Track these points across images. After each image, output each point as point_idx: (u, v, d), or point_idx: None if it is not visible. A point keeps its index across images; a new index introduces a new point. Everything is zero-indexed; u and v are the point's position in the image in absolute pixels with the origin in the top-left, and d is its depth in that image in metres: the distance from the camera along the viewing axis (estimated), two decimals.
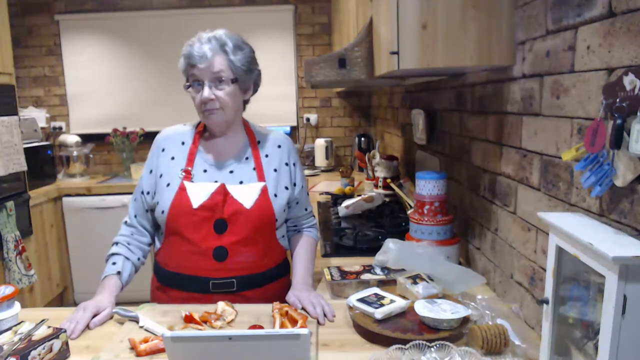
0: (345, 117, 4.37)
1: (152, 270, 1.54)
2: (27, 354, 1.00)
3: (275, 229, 1.47)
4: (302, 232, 1.59)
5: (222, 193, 1.38)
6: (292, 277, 1.48)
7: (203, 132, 1.50)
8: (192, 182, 1.41)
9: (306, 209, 1.60)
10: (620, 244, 0.76)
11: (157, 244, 1.51)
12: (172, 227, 1.40)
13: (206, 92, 1.36)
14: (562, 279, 0.91)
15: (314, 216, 1.65)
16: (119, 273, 1.40)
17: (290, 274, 1.57)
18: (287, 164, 1.50)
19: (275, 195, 1.44)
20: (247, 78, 1.43)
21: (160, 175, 1.45)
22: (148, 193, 1.46)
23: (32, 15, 4.16)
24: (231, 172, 1.45)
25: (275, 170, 1.47)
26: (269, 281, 1.46)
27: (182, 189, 1.40)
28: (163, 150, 1.48)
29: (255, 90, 1.49)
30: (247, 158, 1.47)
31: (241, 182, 1.43)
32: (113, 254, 1.45)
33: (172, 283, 1.44)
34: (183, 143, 1.48)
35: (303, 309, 1.30)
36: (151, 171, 1.48)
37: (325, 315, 1.27)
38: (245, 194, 1.40)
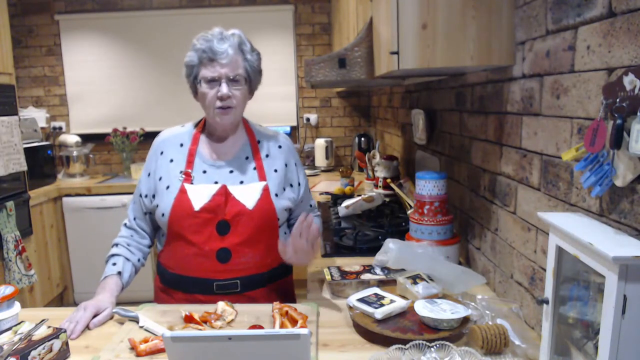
0: (345, 117, 4.37)
1: (152, 270, 1.53)
2: (27, 354, 1.00)
3: (278, 228, 1.46)
4: None
5: (224, 194, 1.38)
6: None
7: (202, 132, 1.49)
8: (192, 184, 1.40)
9: (310, 205, 1.61)
10: (620, 244, 0.76)
11: (159, 246, 1.50)
12: (174, 230, 1.40)
13: (225, 88, 1.34)
14: (562, 279, 0.91)
15: (317, 208, 1.65)
16: (119, 273, 1.40)
17: (292, 273, 1.58)
18: (287, 165, 1.50)
19: (277, 195, 1.44)
20: (257, 80, 1.44)
21: (160, 178, 1.44)
22: (146, 196, 1.46)
23: (32, 15, 4.16)
24: (231, 172, 1.44)
25: (276, 170, 1.47)
26: (272, 280, 1.46)
27: (182, 191, 1.39)
28: (162, 153, 1.47)
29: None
30: (247, 157, 1.47)
31: (242, 182, 1.42)
32: (113, 255, 1.45)
33: (175, 285, 1.44)
34: (182, 145, 1.47)
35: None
36: (149, 174, 1.47)
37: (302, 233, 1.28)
38: (247, 194, 1.39)
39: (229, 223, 1.37)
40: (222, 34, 1.36)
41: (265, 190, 1.42)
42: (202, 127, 1.50)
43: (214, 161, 1.45)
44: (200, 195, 1.38)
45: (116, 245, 1.48)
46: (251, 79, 1.41)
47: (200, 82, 1.37)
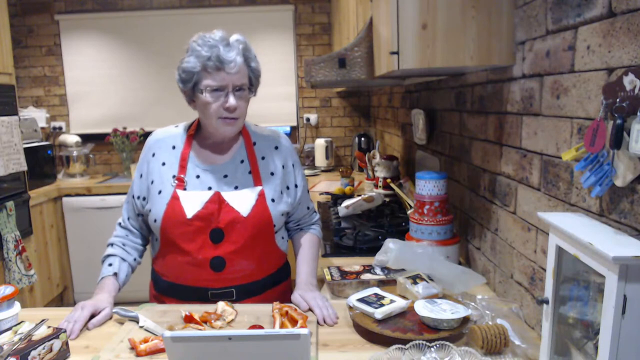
0: (345, 117, 4.38)
1: (150, 274, 1.52)
2: (27, 354, 1.00)
3: (274, 234, 1.43)
4: (304, 230, 1.55)
5: (217, 201, 1.33)
6: (295, 277, 1.46)
7: (195, 135, 1.44)
8: (185, 189, 1.36)
9: (308, 208, 1.56)
10: (620, 244, 0.76)
11: (153, 252, 1.48)
12: (166, 236, 1.36)
13: (232, 100, 1.29)
14: (562, 279, 0.91)
15: (316, 212, 1.61)
16: (115, 274, 1.39)
17: (290, 277, 1.56)
18: (284, 167, 1.45)
19: (273, 200, 1.39)
20: (257, 86, 1.40)
21: (152, 182, 1.40)
22: (139, 197, 1.42)
23: (32, 15, 4.16)
24: (225, 176, 1.39)
25: (272, 173, 1.42)
26: (268, 288, 1.44)
27: (174, 197, 1.35)
28: (153, 155, 1.42)
29: None
30: (242, 161, 1.42)
31: (236, 187, 1.38)
32: (109, 255, 1.43)
33: (169, 293, 1.42)
34: (174, 147, 1.42)
35: (309, 309, 1.28)
36: (141, 175, 1.43)
37: (326, 319, 1.25)
38: (242, 201, 1.35)
39: (223, 231, 1.33)
40: (227, 41, 1.29)
41: (261, 195, 1.37)
42: (195, 129, 1.44)
43: (208, 165, 1.40)
44: (192, 202, 1.33)
45: (111, 245, 1.46)
46: (252, 86, 1.37)
47: (202, 90, 1.30)
